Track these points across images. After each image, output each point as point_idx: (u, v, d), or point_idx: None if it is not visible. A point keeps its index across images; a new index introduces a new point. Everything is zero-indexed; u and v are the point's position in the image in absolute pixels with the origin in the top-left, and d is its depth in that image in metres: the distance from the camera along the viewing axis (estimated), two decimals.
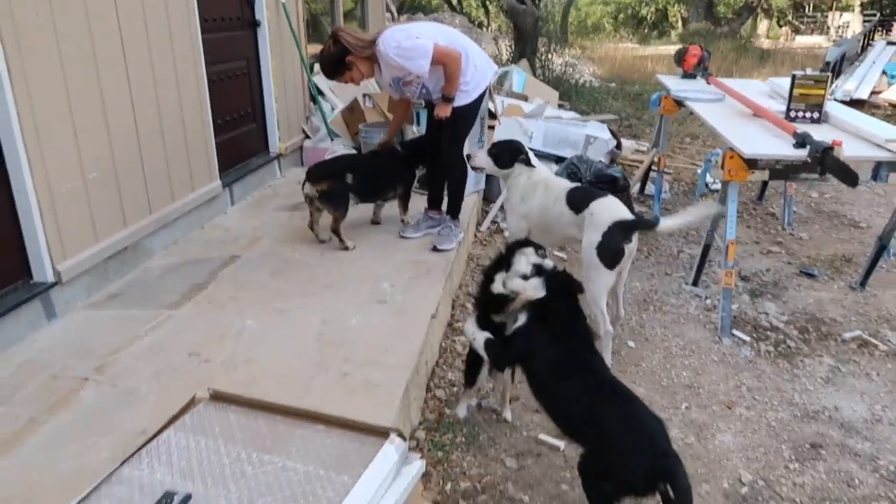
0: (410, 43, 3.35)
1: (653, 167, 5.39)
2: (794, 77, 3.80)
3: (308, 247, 3.80)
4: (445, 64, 3.42)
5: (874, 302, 3.81)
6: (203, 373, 2.52)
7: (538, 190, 3.22)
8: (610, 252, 2.87)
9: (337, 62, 3.48)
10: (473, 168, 3.49)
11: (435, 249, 3.71)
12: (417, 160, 4.01)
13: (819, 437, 2.65)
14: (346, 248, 3.73)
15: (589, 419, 1.97)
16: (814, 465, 2.52)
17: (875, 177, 3.27)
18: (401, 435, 1.76)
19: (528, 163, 3.27)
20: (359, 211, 3.99)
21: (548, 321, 2.22)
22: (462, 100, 3.56)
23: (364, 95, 5.69)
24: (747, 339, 3.39)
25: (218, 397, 2.02)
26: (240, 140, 4.86)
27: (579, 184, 3.34)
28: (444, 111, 3.54)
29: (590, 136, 5.43)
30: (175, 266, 3.55)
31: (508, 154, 3.31)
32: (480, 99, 3.69)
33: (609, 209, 2.94)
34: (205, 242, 3.89)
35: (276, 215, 4.37)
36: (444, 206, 3.94)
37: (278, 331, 2.86)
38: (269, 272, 3.46)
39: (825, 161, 3.03)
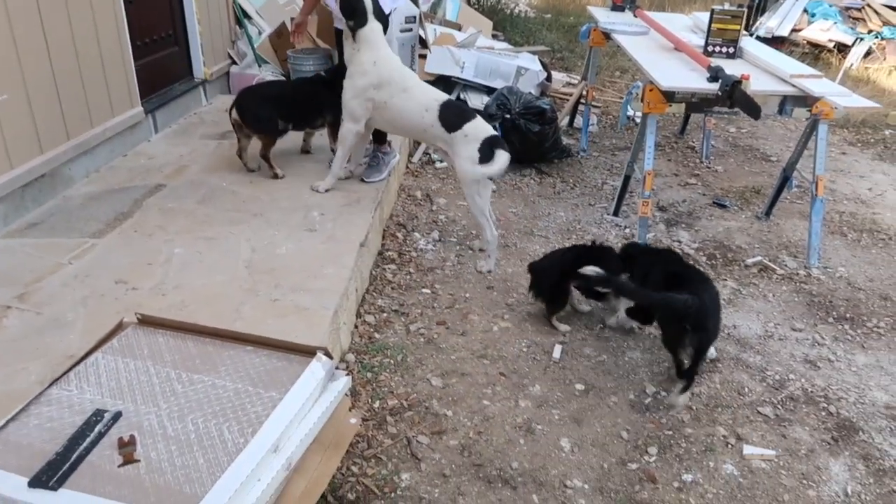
0: None
1: (582, 100, 5.50)
2: (712, 11, 3.93)
3: (237, 175, 3.77)
4: None
5: (776, 230, 4.10)
6: (131, 299, 2.53)
7: (394, 89, 3.33)
8: (489, 163, 3.19)
9: None
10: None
11: (363, 181, 3.74)
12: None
13: (717, 352, 2.90)
14: (276, 176, 3.73)
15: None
16: (710, 376, 2.77)
17: (781, 111, 3.47)
18: (327, 353, 1.86)
19: (352, 31, 3.28)
20: (288, 140, 3.96)
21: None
22: None
23: (292, 19, 5.51)
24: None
25: (146, 321, 2.06)
26: (161, 64, 4.67)
27: (446, 95, 3.39)
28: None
29: (521, 67, 5.47)
30: (98, 194, 3.47)
31: (346, 5, 3.28)
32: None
33: (482, 128, 3.25)
34: (128, 170, 3.80)
35: (202, 143, 4.28)
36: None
37: (207, 258, 2.87)
38: (196, 201, 3.43)
39: (734, 94, 3.20)
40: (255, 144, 3.76)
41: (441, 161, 4.68)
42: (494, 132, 3.30)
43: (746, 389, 2.71)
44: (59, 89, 3.41)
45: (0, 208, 3.04)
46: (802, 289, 3.46)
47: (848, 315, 3.24)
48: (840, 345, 3.03)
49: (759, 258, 3.72)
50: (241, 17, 5.57)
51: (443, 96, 3.38)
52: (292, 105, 3.79)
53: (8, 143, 3.06)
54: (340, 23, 3.48)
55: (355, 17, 3.27)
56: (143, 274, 2.73)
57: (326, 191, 3.56)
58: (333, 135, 4.03)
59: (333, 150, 4.05)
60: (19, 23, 3.10)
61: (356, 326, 2.90)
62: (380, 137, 3.94)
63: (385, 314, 3.02)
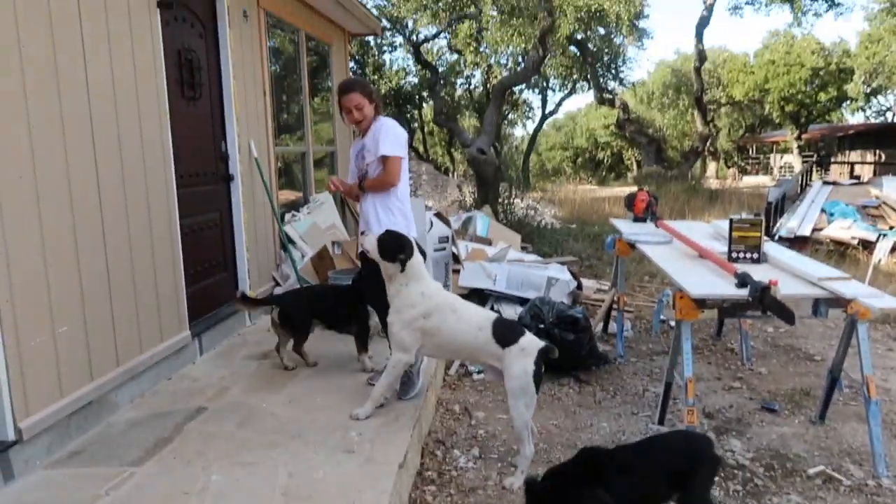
0: (399, 133, 3.73)
1: (614, 306, 5.59)
2: (731, 221, 4.12)
3: (276, 395, 3.80)
4: (389, 173, 3.68)
5: (834, 435, 3.90)
6: None
7: (445, 314, 3.38)
8: (539, 378, 3.24)
9: (369, 88, 3.77)
10: (362, 248, 3.61)
11: (400, 399, 3.74)
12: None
13: None
14: (309, 364, 4.21)
15: None
16: None
17: (815, 313, 3.47)
18: None
19: (403, 264, 3.38)
20: (332, 359, 4.09)
21: None
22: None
23: (333, 243, 5.91)
24: (715, 478, 3.41)
25: None
26: (211, 289, 4.96)
27: (494, 314, 3.48)
28: (336, 183, 3.91)
29: (551, 277, 5.67)
30: (140, 420, 3.51)
31: (392, 246, 3.41)
32: None
33: (535, 342, 3.30)
34: (172, 394, 3.87)
35: (245, 364, 4.39)
36: None
37: (244, 485, 2.81)
38: (236, 423, 3.44)
39: (764, 299, 3.24)
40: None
41: (479, 372, 4.69)
42: (547, 343, 3.35)
43: None
44: (115, 319, 3.62)
45: (45, 438, 3.08)
46: (875, 502, 3.19)
47: None
48: None
49: (822, 467, 3.49)
50: (286, 242, 5.99)
51: (492, 314, 3.46)
52: (324, 309, 4.27)
53: (62, 372, 3.19)
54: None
55: (405, 251, 3.41)
56: None
57: (367, 417, 3.50)
58: (360, 345, 4.18)
59: (359, 360, 4.15)
60: (87, 260, 3.38)
61: None
62: None
63: None
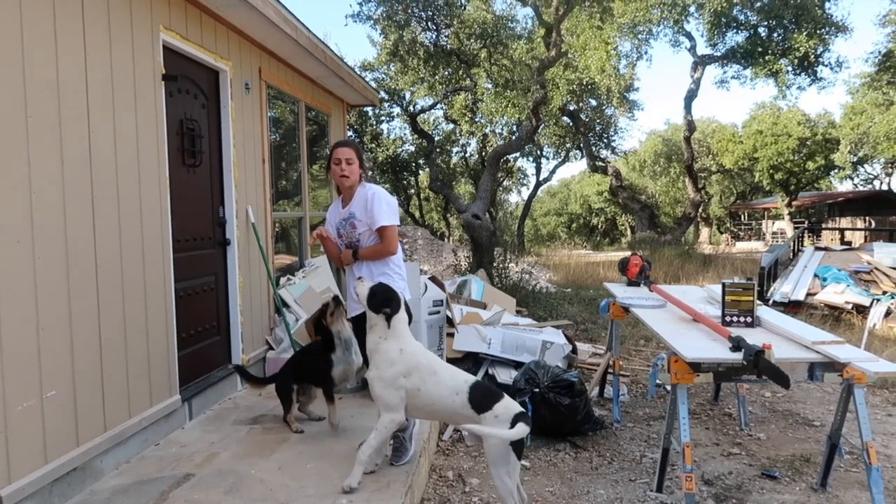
0: (391, 201, 3.79)
1: (609, 370, 5.55)
2: (724, 285, 4.14)
3: (266, 461, 3.72)
4: (388, 242, 3.74)
5: (837, 503, 3.81)
6: None
7: (424, 374, 3.34)
8: (520, 445, 3.17)
9: (359, 151, 3.84)
10: (355, 291, 3.61)
11: (391, 465, 3.66)
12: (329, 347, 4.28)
13: None
14: (295, 431, 4.24)
15: None
16: None
17: (811, 377, 3.46)
18: None
19: (388, 318, 3.38)
20: (324, 424, 4.03)
21: None
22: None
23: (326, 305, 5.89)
24: None
25: None
26: (203, 353, 4.92)
27: (474, 377, 3.43)
28: (346, 258, 3.84)
29: (546, 341, 5.65)
30: (125, 487, 3.42)
31: (382, 298, 3.42)
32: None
33: (511, 407, 3.23)
34: (159, 460, 3.79)
35: (234, 429, 4.31)
36: None
37: None
38: (223, 490, 3.35)
39: (759, 363, 3.23)
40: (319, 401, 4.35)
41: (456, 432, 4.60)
42: (523, 409, 3.28)
43: None
44: (105, 383, 3.58)
45: None
46: None
47: None
48: None
49: None
50: (281, 306, 5.98)
51: (471, 378, 3.41)
52: (300, 370, 4.38)
53: (47, 438, 3.13)
54: (356, 309, 3.77)
55: (391, 305, 3.42)
56: None
57: (358, 484, 3.39)
58: (327, 400, 4.24)
59: (332, 425, 4.20)
60: (79, 323, 3.37)
61: None
62: None
63: None
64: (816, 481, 4.03)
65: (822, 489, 3.97)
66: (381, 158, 25.98)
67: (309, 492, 3.32)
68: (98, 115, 3.58)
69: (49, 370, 3.15)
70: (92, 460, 3.45)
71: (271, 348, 5.88)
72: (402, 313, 3.48)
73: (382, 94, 20.43)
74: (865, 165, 33.53)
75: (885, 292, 9.60)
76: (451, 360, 5.30)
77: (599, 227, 41.99)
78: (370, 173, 28.71)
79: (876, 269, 10.64)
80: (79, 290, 3.38)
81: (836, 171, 32.61)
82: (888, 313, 8.89)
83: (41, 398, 3.10)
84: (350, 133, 12.74)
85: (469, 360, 5.50)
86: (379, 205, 3.72)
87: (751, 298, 4.06)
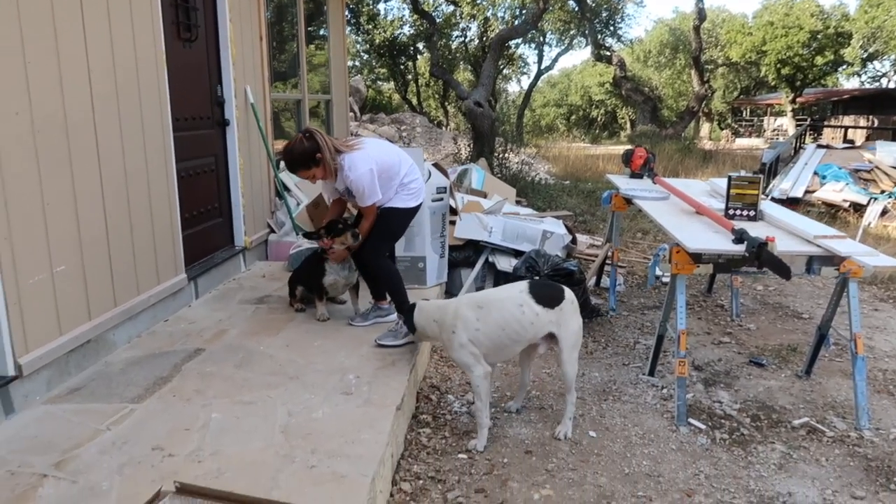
0: (370, 181, 3.67)
1: (607, 261, 5.63)
2: (730, 178, 4.13)
3: (274, 339, 3.84)
4: (371, 216, 3.82)
5: (819, 389, 4.00)
6: (167, 467, 2.49)
7: (470, 314, 3.14)
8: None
9: (308, 158, 3.65)
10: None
11: (376, 344, 3.73)
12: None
13: None
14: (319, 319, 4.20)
15: None
16: None
17: (808, 270, 3.52)
18: None
19: (408, 316, 3.41)
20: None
21: None
22: (396, 202, 3.85)
23: None
24: (703, 427, 3.50)
25: (184, 490, 2.03)
26: (206, 234, 4.95)
27: (523, 284, 3.24)
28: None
29: (546, 231, 5.68)
30: (138, 359, 3.54)
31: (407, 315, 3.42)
32: (408, 214, 3.93)
33: (570, 291, 3.30)
34: (169, 335, 3.89)
35: (241, 308, 4.41)
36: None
37: (244, 423, 2.86)
38: (234, 364, 3.47)
39: (761, 255, 3.27)
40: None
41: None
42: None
43: None
44: (112, 260, 3.61)
45: (45, 374, 3.11)
46: (857, 452, 3.30)
47: None
48: None
49: (806, 419, 3.59)
50: (282, 190, 5.95)
51: (521, 285, 3.22)
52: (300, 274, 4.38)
53: (60, 310, 3.20)
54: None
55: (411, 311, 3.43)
56: (180, 440, 2.71)
57: (484, 448, 3.21)
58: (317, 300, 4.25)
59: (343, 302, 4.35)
60: (84, 200, 3.36)
61: (392, 495, 2.80)
62: (378, 293, 4.09)
63: (421, 481, 2.92)
64: (801, 369, 4.21)
65: (807, 376, 4.15)
66: (377, 41, 25.02)
67: (318, 367, 3.44)
68: None
69: (57, 246, 3.16)
70: (104, 333, 3.54)
71: (273, 231, 5.91)
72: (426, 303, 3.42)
73: None
74: (875, 62, 32.55)
75: (883, 191, 9.62)
76: (452, 248, 5.35)
77: (599, 119, 41.22)
78: (366, 57, 27.75)
79: (877, 167, 10.60)
80: (80, 166, 3.33)
81: (844, 67, 31.70)
82: (884, 212, 8.95)
83: (51, 272, 3.13)
84: (346, 13, 11.83)
85: (470, 248, 5.55)
86: (359, 187, 3.66)
87: (756, 192, 4.06)
